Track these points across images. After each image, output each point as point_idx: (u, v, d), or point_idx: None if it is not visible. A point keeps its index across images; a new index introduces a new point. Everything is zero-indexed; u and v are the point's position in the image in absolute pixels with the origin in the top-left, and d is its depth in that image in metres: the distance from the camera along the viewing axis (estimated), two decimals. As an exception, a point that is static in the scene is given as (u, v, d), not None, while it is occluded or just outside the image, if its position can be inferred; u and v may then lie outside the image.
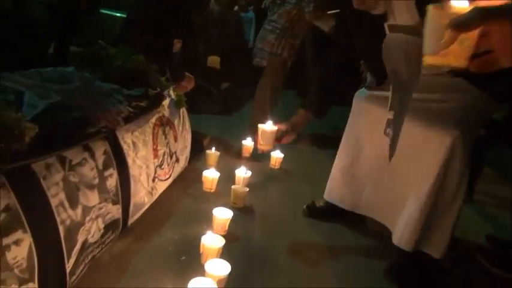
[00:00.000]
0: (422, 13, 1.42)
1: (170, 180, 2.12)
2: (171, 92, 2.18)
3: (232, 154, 2.83)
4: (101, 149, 1.44)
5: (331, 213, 2.04)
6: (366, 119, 1.85)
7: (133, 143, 1.68)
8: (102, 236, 1.45)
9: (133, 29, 2.44)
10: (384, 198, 1.79)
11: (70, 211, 1.22)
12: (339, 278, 1.63)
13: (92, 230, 1.37)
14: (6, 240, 0.96)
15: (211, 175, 2.19)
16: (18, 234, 1.00)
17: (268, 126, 1.98)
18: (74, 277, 1.27)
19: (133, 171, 1.65)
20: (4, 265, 0.95)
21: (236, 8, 5.70)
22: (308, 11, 3.07)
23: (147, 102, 1.79)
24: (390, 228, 1.75)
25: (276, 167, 2.69)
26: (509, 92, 1.54)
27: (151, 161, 1.84)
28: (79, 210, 1.27)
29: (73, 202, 1.24)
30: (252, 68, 5.22)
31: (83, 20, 4.04)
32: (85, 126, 1.35)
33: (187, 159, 2.42)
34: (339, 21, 1.76)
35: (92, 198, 1.35)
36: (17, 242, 0.99)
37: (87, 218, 1.32)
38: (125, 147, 1.60)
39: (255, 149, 2.86)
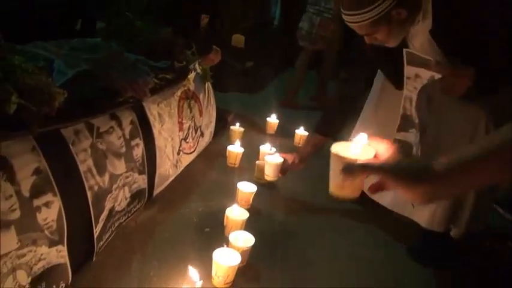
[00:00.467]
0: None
1: (195, 154, 2.13)
2: (197, 66, 2.16)
3: (256, 131, 2.81)
4: (127, 118, 1.45)
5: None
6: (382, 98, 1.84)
7: (159, 115, 1.68)
8: (129, 204, 1.47)
9: (161, 1, 2.43)
10: None
11: (98, 178, 1.24)
12: (359, 256, 1.61)
13: (119, 198, 1.39)
14: (37, 202, 0.98)
15: (235, 150, 2.18)
16: (49, 197, 1.02)
17: (274, 159, 1.96)
18: (101, 242, 1.30)
19: (159, 142, 1.66)
20: (35, 225, 0.98)
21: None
22: None
23: (173, 75, 1.79)
24: (406, 214, 1.73)
25: (301, 145, 2.67)
26: None
27: (176, 134, 1.85)
28: (106, 178, 1.29)
29: (101, 169, 1.26)
30: (277, 47, 5.17)
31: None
32: (112, 95, 1.36)
33: (212, 135, 2.43)
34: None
35: (119, 166, 1.36)
36: (47, 204, 1.02)
37: (114, 186, 1.34)
38: (151, 118, 1.61)
39: (280, 125, 2.86)
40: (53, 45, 1.48)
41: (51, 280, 1.06)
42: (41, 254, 1.01)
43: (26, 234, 0.95)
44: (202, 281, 1.21)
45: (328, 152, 0.84)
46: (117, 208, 1.39)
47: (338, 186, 0.84)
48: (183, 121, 1.92)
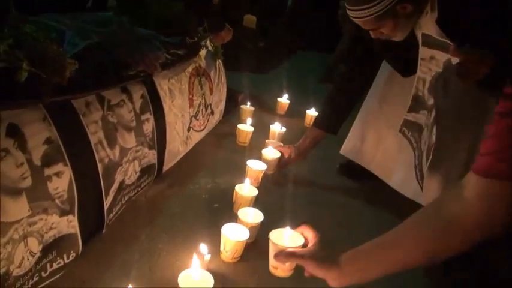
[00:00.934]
0: None
1: (205, 132, 2.13)
2: (208, 43, 2.14)
3: (266, 111, 2.80)
4: (138, 92, 1.45)
5: (364, 172, 2.01)
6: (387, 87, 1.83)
7: (170, 90, 1.68)
8: (139, 179, 1.47)
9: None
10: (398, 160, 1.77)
11: (108, 150, 1.24)
12: (372, 235, 1.61)
13: (129, 172, 1.39)
14: (48, 171, 0.99)
15: (245, 129, 2.18)
16: (59, 167, 1.03)
17: (272, 153, 1.93)
18: (112, 215, 1.31)
19: (169, 118, 1.65)
20: (46, 194, 0.98)
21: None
22: None
23: (184, 51, 1.77)
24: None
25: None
26: None
27: (186, 111, 1.84)
28: (117, 151, 1.29)
29: (111, 142, 1.26)
30: (288, 30, 5.11)
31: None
32: (123, 69, 1.35)
33: (222, 113, 2.42)
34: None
35: (129, 140, 1.36)
36: (58, 174, 1.02)
37: (124, 159, 1.34)
38: (161, 93, 1.60)
39: (291, 106, 2.84)
40: (66, 17, 1.47)
41: (61, 249, 1.08)
42: (52, 223, 1.02)
43: (37, 203, 0.96)
44: (210, 255, 1.21)
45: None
46: (127, 182, 1.40)
47: (273, 267, 1.04)
48: (194, 98, 1.91)
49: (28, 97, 0.94)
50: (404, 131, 1.68)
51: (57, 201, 1.02)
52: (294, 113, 2.78)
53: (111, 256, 1.24)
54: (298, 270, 0.98)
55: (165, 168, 1.71)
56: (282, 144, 2.06)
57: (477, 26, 1.26)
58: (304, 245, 1.01)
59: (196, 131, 2.00)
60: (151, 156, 1.54)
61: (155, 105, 1.55)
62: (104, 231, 1.28)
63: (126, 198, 1.42)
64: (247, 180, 1.58)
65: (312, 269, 0.89)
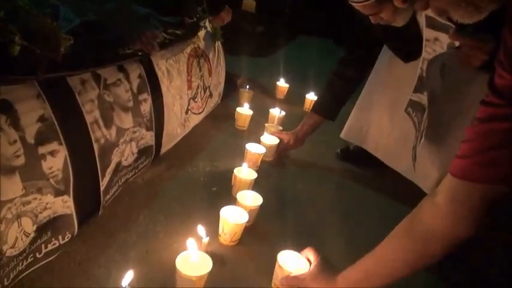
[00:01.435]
0: None
1: (203, 115, 2.09)
2: (207, 24, 2.10)
3: (265, 95, 2.76)
4: (135, 71, 1.41)
5: (364, 157, 1.99)
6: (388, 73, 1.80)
7: (168, 71, 1.64)
8: (136, 160, 1.45)
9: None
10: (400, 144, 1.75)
11: (104, 130, 1.20)
12: (370, 215, 1.60)
13: (126, 153, 1.36)
14: (41, 150, 0.96)
15: (244, 112, 2.15)
16: (54, 146, 0.99)
17: (270, 140, 1.90)
18: (108, 196, 1.28)
19: (167, 99, 1.62)
20: (40, 173, 0.95)
21: None
22: None
23: (182, 31, 1.73)
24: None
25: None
26: None
27: (184, 92, 1.81)
28: (113, 131, 1.26)
29: (107, 122, 1.23)
30: (287, 14, 5.05)
31: None
32: (120, 47, 1.31)
33: (221, 96, 2.38)
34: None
35: (126, 120, 1.33)
36: (52, 153, 0.99)
37: (121, 140, 1.31)
38: (159, 73, 1.57)
39: (290, 90, 2.80)
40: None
41: (56, 230, 1.05)
42: (46, 203, 0.99)
43: (31, 182, 0.93)
44: (208, 237, 1.19)
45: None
46: (124, 163, 1.37)
47: (275, 285, 1.14)
48: (192, 79, 1.87)
49: (21, 73, 0.91)
50: (409, 111, 1.66)
51: (51, 180, 0.99)
52: (293, 98, 2.75)
53: (107, 238, 1.21)
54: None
55: (163, 150, 1.68)
56: (281, 128, 2.04)
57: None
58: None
59: (195, 113, 1.96)
60: (148, 137, 1.51)
61: (153, 85, 1.51)
62: (100, 212, 1.26)
63: (123, 180, 1.39)
64: (244, 164, 1.56)
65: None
